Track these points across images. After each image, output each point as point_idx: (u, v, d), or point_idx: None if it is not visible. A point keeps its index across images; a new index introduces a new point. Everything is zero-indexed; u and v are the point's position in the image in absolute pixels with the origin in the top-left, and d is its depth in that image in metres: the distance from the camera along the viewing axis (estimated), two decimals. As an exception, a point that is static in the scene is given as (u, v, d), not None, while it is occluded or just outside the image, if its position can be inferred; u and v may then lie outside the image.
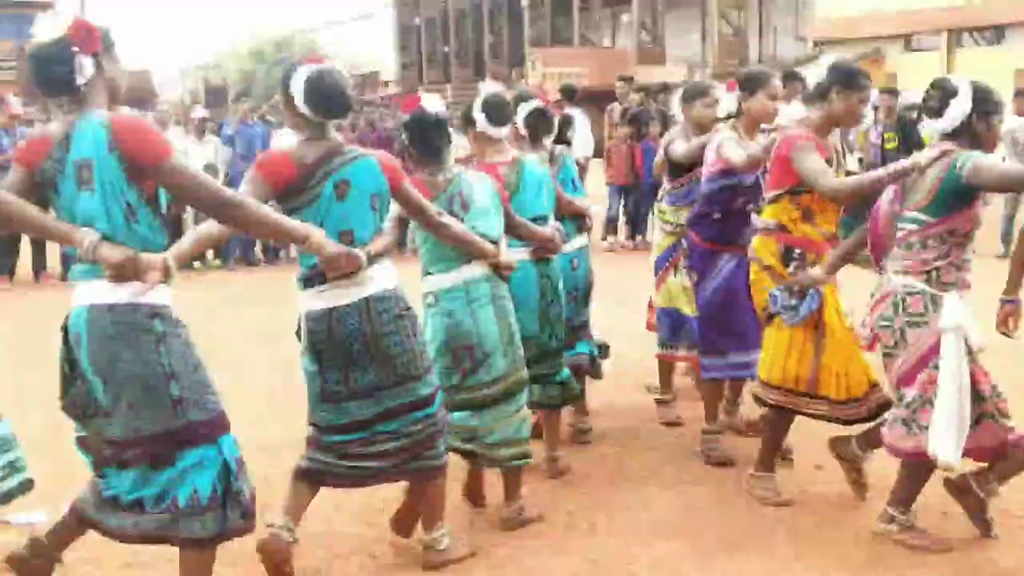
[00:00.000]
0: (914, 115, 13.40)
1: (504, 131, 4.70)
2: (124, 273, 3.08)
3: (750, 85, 5.11)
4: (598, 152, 14.16)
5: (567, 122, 5.63)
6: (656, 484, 4.96)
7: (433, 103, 4.21)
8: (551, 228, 4.78)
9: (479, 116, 4.58)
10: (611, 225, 13.66)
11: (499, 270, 4.27)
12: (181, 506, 3.22)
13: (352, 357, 3.70)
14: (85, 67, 3.15)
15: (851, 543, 4.24)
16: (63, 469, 5.24)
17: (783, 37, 36.74)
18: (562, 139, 5.51)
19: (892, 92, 13.08)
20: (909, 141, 11.45)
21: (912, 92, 14.99)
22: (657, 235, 5.89)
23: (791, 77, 12.23)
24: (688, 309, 5.55)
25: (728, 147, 4.99)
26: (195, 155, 11.98)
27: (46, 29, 3.20)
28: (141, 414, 3.17)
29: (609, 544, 4.28)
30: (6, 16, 33.94)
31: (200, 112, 13.63)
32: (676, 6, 39.72)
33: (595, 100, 20.43)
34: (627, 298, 6.94)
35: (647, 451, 5.45)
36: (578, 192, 5.48)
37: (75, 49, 3.14)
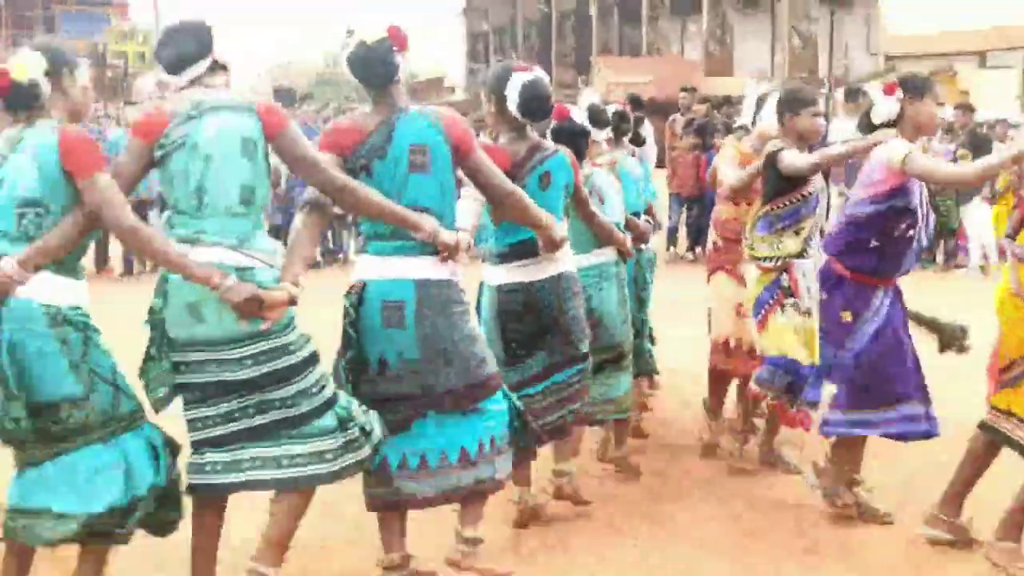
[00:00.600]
0: (986, 131, 13.21)
1: (604, 134, 5.20)
2: (452, 254, 3.61)
3: (917, 88, 4.44)
4: (660, 162, 14.06)
5: (640, 122, 5.71)
6: (706, 500, 4.87)
7: (579, 114, 4.80)
8: (643, 222, 5.37)
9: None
10: (672, 236, 13.57)
11: (622, 254, 4.85)
12: (487, 451, 3.73)
13: (539, 324, 4.22)
14: (401, 65, 3.64)
15: (904, 565, 4.13)
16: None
17: (855, 52, 36.26)
18: (638, 140, 6.03)
19: (966, 108, 12.88)
20: (981, 156, 11.23)
21: (985, 109, 14.77)
22: (750, 273, 4.97)
23: (856, 93, 12.10)
24: (804, 355, 4.63)
25: (935, 162, 4.74)
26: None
27: (367, 32, 3.65)
28: (452, 369, 3.63)
29: (653, 558, 4.21)
30: (80, 15, 34.65)
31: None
32: (746, 17, 39.45)
33: (660, 110, 20.28)
34: (683, 310, 6.83)
35: (698, 465, 5.36)
36: (646, 192, 5.84)
37: (395, 49, 3.61)
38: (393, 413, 3.64)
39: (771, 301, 4.72)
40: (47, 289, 3.26)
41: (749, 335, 5.21)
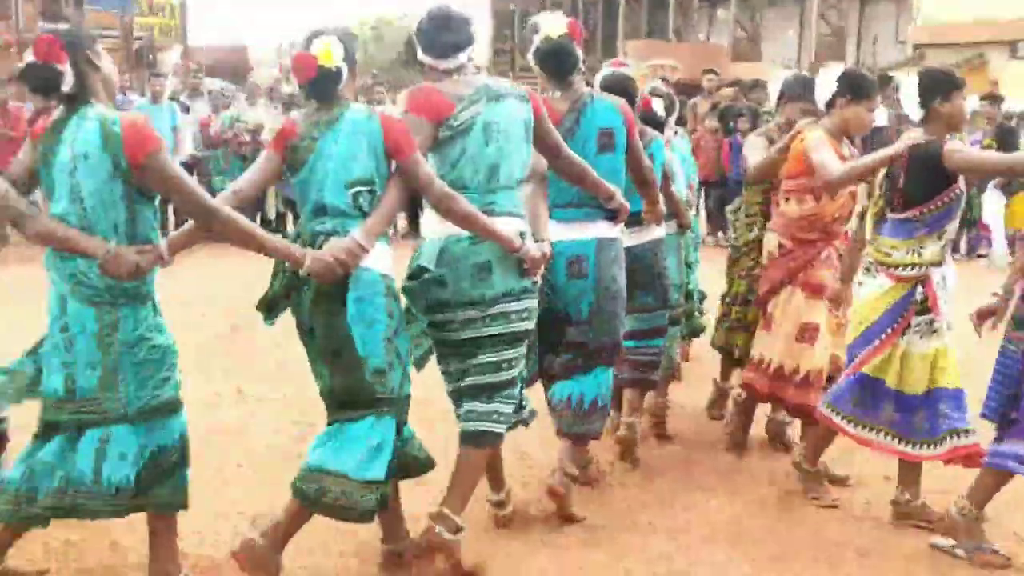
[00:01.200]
0: (1014, 122, 13.05)
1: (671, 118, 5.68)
2: (621, 217, 4.22)
3: (947, 85, 4.22)
4: (685, 147, 13.97)
5: (673, 103, 5.76)
6: (723, 489, 4.83)
7: (660, 106, 5.36)
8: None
9: None
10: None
11: (681, 227, 5.48)
12: (586, 407, 4.28)
13: (644, 280, 4.86)
14: (580, 56, 4.21)
15: (918, 561, 4.09)
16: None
17: (883, 41, 35.96)
18: (683, 121, 6.61)
19: (994, 99, 12.72)
20: (1008, 148, 11.11)
21: (1014, 100, 14.59)
22: (871, 283, 4.36)
23: (885, 81, 11.99)
24: (892, 380, 4.25)
25: None
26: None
27: (553, 25, 4.17)
28: (615, 324, 4.29)
29: (667, 546, 4.18)
30: (111, -11, 34.68)
31: (287, 88, 13.73)
32: (774, 4, 39.14)
33: (687, 94, 20.17)
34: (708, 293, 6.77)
35: (718, 454, 5.32)
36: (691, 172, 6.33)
37: (575, 43, 4.18)
38: (570, 358, 4.28)
39: (899, 320, 4.21)
40: (383, 261, 3.51)
41: (812, 362, 4.81)
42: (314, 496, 3.47)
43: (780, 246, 4.95)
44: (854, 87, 4.63)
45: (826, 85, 4.72)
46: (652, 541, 4.22)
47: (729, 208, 6.34)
